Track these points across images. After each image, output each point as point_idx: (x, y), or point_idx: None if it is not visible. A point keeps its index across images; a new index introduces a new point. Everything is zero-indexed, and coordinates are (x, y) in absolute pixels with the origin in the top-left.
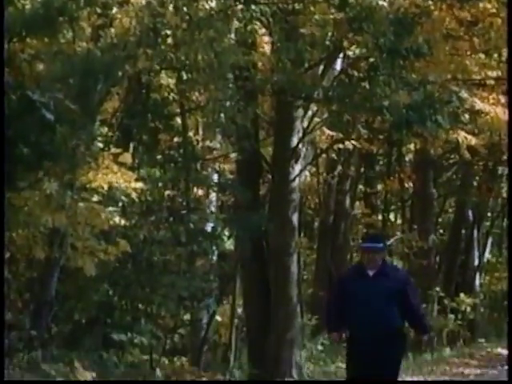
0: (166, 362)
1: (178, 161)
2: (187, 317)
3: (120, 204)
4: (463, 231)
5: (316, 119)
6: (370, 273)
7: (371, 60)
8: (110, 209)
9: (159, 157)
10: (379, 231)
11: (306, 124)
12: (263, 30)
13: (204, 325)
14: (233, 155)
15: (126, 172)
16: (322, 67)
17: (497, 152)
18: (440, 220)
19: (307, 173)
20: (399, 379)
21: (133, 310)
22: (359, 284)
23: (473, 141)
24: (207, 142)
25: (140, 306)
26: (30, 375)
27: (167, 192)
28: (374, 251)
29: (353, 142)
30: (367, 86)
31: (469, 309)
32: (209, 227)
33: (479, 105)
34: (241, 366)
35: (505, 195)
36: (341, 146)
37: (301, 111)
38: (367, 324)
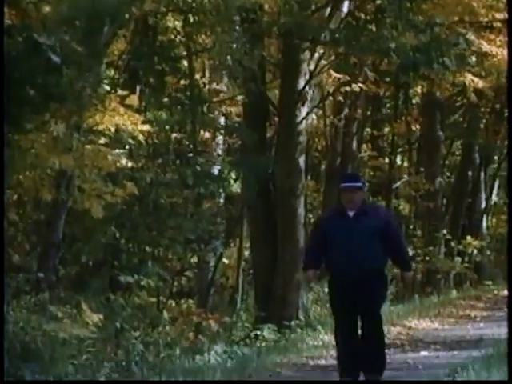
0: (173, 304)
1: (185, 103)
2: (194, 259)
3: (127, 146)
4: (470, 174)
5: (323, 62)
6: (350, 213)
7: (378, 2)
8: (117, 151)
9: (166, 99)
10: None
11: (312, 66)
12: None
13: (211, 267)
14: (239, 98)
15: (132, 114)
16: (328, 9)
17: (503, 94)
18: (447, 162)
19: (314, 115)
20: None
21: (140, 253)
22: (340, 224)
23: (480, 83)
24: (214, 85)
25: (147, 248)
26: (36, 317)
27: (174, 134)
28: (353, 190)
29: (360, 84)
30: (374, 29)
31: (475, 251)
32: (216, 170)
33: (486, 47)
34: (247, 308)
35: None
36: (347, 88)
37: (307, 54)
38: (348, 264)
